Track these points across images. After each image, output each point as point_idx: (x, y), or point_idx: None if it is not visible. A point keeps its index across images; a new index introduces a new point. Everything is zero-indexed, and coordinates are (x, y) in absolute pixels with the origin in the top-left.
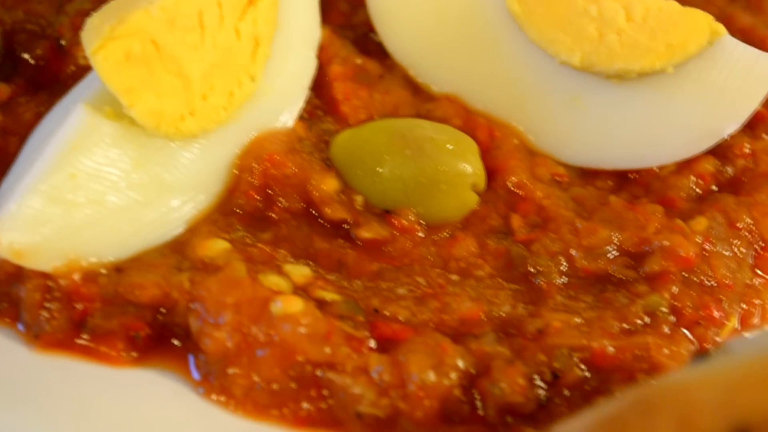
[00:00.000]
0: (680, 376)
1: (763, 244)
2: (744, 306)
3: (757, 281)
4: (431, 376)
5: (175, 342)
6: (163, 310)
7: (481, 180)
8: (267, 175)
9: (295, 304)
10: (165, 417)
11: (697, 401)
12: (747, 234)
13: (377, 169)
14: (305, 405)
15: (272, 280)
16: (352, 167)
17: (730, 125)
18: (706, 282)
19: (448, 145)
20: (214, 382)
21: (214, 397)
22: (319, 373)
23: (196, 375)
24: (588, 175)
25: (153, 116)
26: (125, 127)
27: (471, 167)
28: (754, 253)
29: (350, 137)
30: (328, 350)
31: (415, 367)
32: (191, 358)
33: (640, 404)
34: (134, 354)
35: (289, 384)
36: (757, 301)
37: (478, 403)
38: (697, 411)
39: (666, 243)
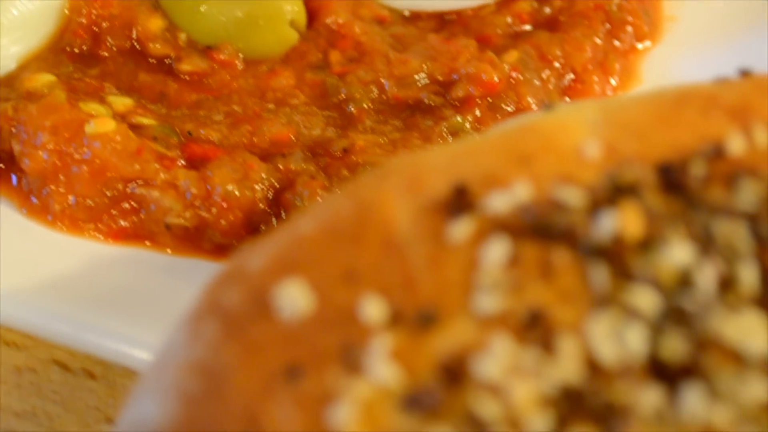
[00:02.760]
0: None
1: (575, 77)
2: None
3: None
4: (235, 189)
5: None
6: None
7: (299, 17)
8: (95, 15)
9: (107, 124)
10: None
11: (427, 166)
12: (558, 66)
13: (199, 7)
14: (119, 220)
15: (91, 107)
16: (176, 6)
17: None
18: (513, 108)
19: None
20: (36, 201)
21: (35, 215)
22: (130, 188)
23: (18, 195)
24: (411, 18)
25: None
26: None
27: (289, 5)
28: (564, 84)
29: None
30: (137, 167)
31: (219, 179)
32: (14, 180)
33: (378, 173)
34: None
35: (104, 200)
36: None
37: (284, 216)
38: (425, 172)
39: (472, 70)
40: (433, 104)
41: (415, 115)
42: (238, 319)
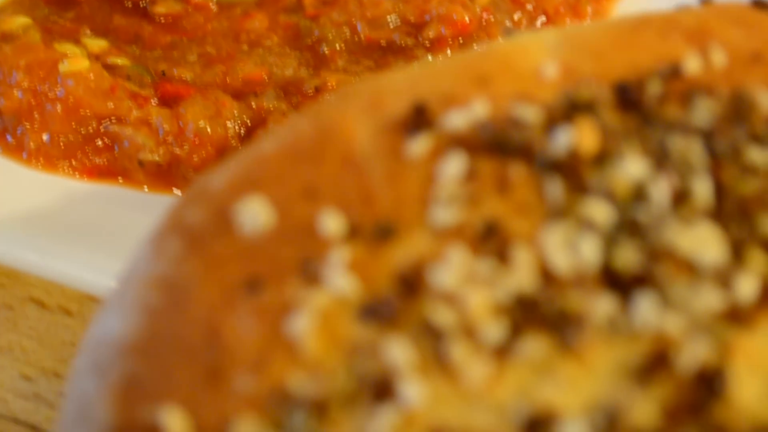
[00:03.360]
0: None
1: (546, 19)
2: None
3: None
4: (207, 126)
5: None
6: None
7: None
8: None
9: (81, 63)
10: None
11: (387, 87)
12: (530, 8)
13: None
14: (93, 157)
15: (66, 47)
16: None
17: None
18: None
19: None
20: (11, 139)
21: (10, 153)
22: (104, 125)
23: None
24: None
25: None
26: None
27: None
28: (536, 26)
29: None
30: (111, 104)
31: (191, 116)
32: None
33: (339, 95)
34: None
35: (78, 137)
36: None
37: None
38: (385, 93)
39: (443, 11)
40: (404, 45)
41: (387, 55)
42: (200, 234)
